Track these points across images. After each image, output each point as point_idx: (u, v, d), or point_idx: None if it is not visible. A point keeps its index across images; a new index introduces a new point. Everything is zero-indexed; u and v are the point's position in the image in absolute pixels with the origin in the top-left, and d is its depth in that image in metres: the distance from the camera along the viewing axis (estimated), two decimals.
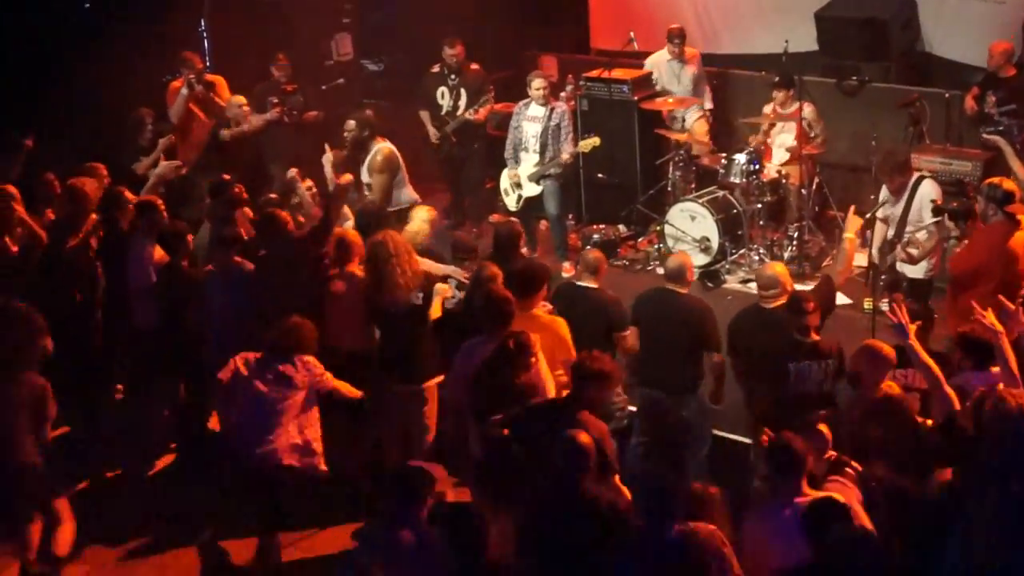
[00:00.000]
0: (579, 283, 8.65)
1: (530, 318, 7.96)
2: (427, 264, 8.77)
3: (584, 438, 6.32)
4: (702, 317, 8.41)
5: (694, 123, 12.57)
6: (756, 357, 8.08)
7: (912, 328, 6.69)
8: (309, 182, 10.40)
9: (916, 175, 10.03)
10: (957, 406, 6.39)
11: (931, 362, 6.57)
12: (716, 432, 8.85)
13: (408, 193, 10.91)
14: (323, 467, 8.00)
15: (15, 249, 9.75)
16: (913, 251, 9.62)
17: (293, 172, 10.38)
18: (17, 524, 7.80)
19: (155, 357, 9.61)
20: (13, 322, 7.98)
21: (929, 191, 9.82)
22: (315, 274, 8.93)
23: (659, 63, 12.91)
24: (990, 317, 6.77)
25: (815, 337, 7.67)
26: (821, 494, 6.17)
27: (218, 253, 9.36)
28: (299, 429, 7.91)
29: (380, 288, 8.29)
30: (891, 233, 9.98)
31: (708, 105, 12.85)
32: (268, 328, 8.22)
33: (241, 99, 11.80)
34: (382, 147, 10.85)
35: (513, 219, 10.85)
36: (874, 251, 10.19)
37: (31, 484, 7.66)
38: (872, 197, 11.21)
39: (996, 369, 6.85)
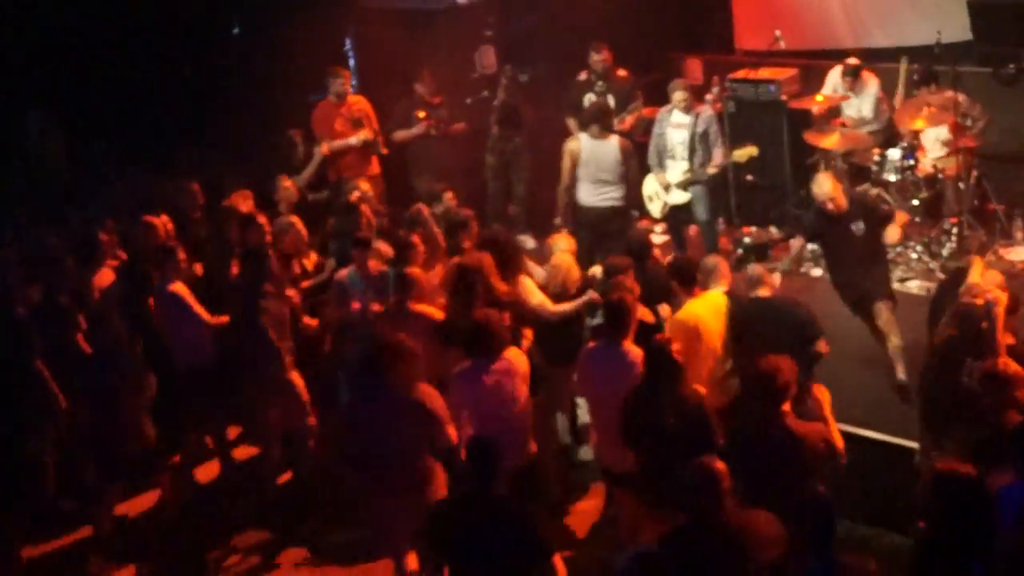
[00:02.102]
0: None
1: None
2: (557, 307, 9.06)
3: (717, 465, 6.26)
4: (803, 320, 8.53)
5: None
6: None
7: None
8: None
9: None
10: None
11: None
12: (874, 435, 8.81)
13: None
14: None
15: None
16: None
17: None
18: None
19: None
20: None
21: None
22: None
23: (835, 81, 12.72)
24: None
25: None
26: None
27: (356, 254, 9.64)
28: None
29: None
30: None
31: (875, 127, 12.51)
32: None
33: None
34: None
35: (645, 228, 11.24)
36: None
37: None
38: None
39: None
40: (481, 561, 6.45)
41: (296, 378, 9.42)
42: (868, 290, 9.47)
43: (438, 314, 8.83)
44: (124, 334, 9.08)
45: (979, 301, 7.76)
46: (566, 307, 9.03)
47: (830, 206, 9.28)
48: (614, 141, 11.25)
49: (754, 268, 8.90)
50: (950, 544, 5.76)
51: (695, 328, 8.29)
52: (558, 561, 6.56)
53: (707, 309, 8.45)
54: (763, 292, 8.53)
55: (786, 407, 6.96)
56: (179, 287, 9.49)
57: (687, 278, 8.64)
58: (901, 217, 9.86)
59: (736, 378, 8.38)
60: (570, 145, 11.35)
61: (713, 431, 7.31)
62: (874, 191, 11.64)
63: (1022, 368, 7.15)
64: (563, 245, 9.56)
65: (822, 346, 8.32)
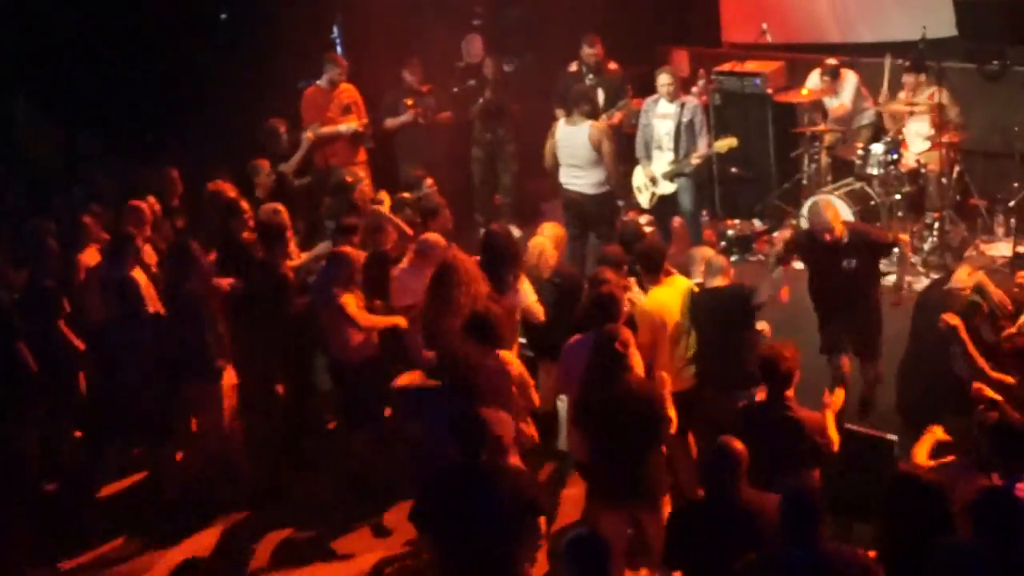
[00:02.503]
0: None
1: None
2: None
3: (737, 445, 6.29)
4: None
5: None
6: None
7: None
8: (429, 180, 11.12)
9: None
10: None
11: None
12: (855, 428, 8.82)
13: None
14: None
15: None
16: None
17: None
18: None
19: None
20: None
21: None
22: None
23: (814, 83, 12.88)
24: None
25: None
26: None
27: (340, 240, 9.85)
28: None
29: None
30: None
31: (864, 123, 12.80)
32: None
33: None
34: None
35: (635, 219, 11.23)
36: None
37: None
38: (1015, 185, 11.58)
39: None
40: (471, 528, 6.55)
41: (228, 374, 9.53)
42: (854, 341, 9.23)
43: (355, 309, 9.00)
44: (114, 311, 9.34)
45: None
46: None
47: (827, 237, 8.91)
48: (585, 127, 11.37)
49: (717, 258, 8.98)
50: (906, 545, 5.82)
51: (659, 315, 8.45)
52: (542, 522, 6.71)
53: (671, 296, 8.59)
54: (717, 282, 8.66)
55: (790, 393, 7.09)
56: (137, 274, 9.59)
57: (651, 265, 8.74)
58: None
59: (694, 364, 8.56)
60: (552, 129, 11.63)
61: (659, 419, 7.41)
62: (857, 185, 11.80)
63: None
64: (548, 232, 9.68)
65: (762, 326, 8.56)
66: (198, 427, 9.76)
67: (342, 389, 9.70)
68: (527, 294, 9.04)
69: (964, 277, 8.30)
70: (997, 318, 8.14)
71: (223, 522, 9.33)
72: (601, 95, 12.71)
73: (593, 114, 11.76)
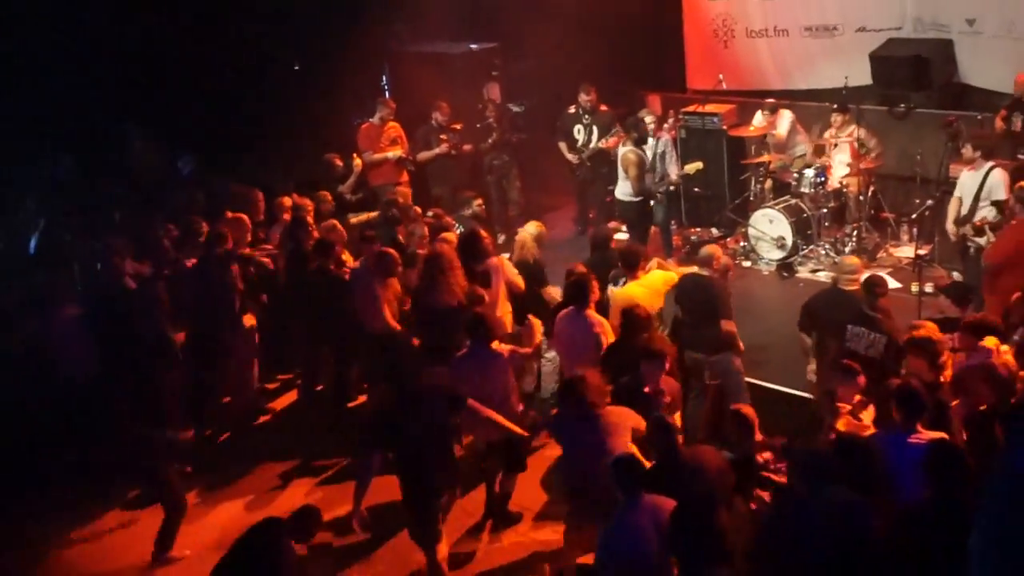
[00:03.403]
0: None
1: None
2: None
3: (673, 420, 7.28)
4: (717, 293, 9.51)
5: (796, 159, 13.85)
6: (830, 326, 9.09)
7: None
8: (479, 200, 12.24)
9: (987, 165, 10.83)
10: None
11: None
12: (774, 386, 10.08)
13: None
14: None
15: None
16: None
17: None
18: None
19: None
20: None
21: (999, 180, 10.73)
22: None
23: (758, 119, 14.00)
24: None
25: (877, 314, 8.72)
26: (936, 435, 6.80)
27: (362, 247, 10.94)
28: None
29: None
30: (964, 209, 11.01)
31: (799, 153, 13.73)
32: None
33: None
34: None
35: (607, 227, 12.65)
36: (949, 224, 11.12)
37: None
38: (916, 201, 12.58)
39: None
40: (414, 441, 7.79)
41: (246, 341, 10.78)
42: None
43: (383, 294, 10.06)
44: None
45: None
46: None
47: None
48: (623, 151, 12.72)
49: (706, 249, 9.81)
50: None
51: (626, 304, 9.17)
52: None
53: (643, 288, 9.53)
54: (703, 270, 9.53)
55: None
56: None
57: (630, 263, 9.72)
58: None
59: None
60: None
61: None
62: (793, 201, 13.10)
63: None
64: (530, 229, 10.78)
65: (728, 325, 9.34)
66: (231, 366, 10.87)
67: (368, 355, 10.72)
68: (510, 270, 10.29)
69: (854, 263, 9.31)
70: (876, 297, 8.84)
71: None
72: (595, 131, 14.14)
73: (639, 141, 12.84)
